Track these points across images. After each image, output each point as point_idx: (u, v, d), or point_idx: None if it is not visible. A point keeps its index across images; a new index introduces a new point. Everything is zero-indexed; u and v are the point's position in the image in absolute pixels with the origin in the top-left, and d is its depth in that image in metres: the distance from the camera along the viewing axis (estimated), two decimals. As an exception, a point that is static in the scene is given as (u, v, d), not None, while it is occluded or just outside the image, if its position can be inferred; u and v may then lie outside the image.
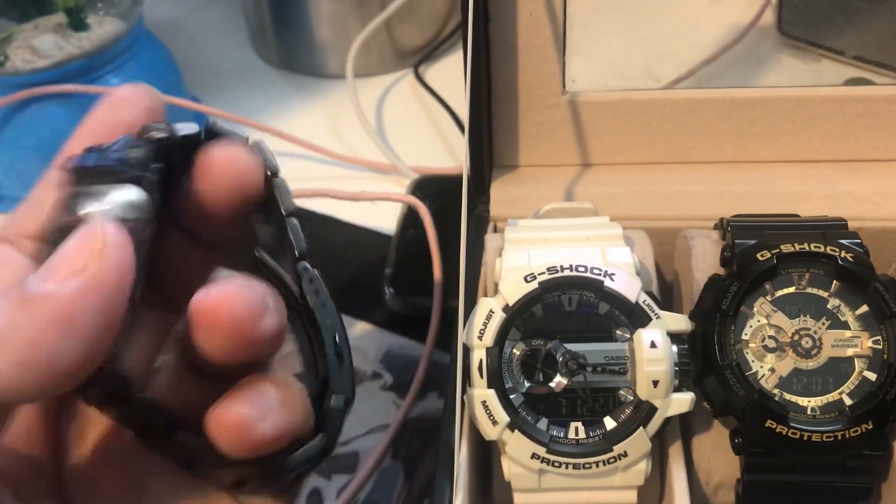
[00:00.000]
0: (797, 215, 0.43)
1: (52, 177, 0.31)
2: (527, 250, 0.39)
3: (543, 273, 0.38)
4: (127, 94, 0.32)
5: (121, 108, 0.31)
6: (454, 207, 0.48)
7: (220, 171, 0.30)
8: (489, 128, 0.49)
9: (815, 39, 0.66)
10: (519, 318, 0.38)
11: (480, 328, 0.37)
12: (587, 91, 0.49)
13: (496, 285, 0.39)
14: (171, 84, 0.70)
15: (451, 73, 0.78)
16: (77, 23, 0.64)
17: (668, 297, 0.45)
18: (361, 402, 0.52)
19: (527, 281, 0.38)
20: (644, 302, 0.37)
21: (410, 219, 0.60)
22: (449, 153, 0.69)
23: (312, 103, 0.75)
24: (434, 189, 0.62)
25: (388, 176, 0.67)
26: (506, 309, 0.37)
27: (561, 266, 0.38)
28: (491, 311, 0.37)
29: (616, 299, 0.37)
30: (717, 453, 0.40)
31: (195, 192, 0.31)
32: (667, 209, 0.47)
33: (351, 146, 0.70)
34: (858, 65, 0.64)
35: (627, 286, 0.37)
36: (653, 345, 0.36)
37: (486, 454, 0.40)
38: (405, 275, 0.57)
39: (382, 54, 0.77)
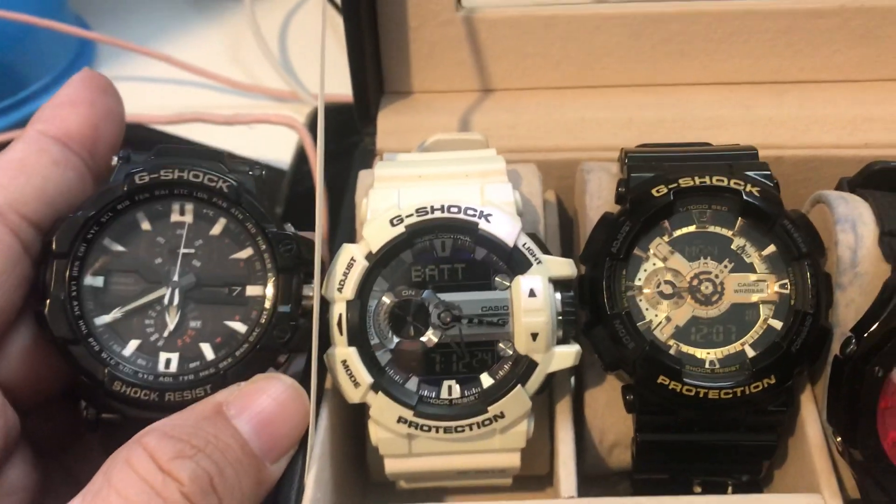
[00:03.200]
0: (709, 144, 0.38)
1: (33, 139, 0.32)
2: (397, 189, 0.34)
3: (412, 215, 0.33)
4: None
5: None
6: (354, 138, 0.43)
7: None
8: (375, 48, 0.44)
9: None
10: (385, 266, 0.33)
11: (340, 279, 0.33)
12: (485, 6, 0.44)
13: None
14: (52, 5, 0.63)
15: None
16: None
17: (569, 238, 0.41)
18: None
19: (393, 224, 0.33)
20: (524, 245, 0.33)
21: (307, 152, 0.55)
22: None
23: (210, 26, 0.68)
24: (333, 119, 0.57)
25: (289, 105, 0.62)
26: (369, 256, 0.33)
27: (432, 207, 0.33)
28: (352, 259, 0.33)
29: (493, 243, 0.33)
30: (611, 410, 0.36)
31: None
32: (570, 139, 0.43)
33: (251, 73, 0.64)
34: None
35: (506, 228, 0.33)
36: (532, 293, 0.32)
37: (359, 417, 0.36)
38: (299, 214, 0.52)
39: (289, -29, 0.70)
